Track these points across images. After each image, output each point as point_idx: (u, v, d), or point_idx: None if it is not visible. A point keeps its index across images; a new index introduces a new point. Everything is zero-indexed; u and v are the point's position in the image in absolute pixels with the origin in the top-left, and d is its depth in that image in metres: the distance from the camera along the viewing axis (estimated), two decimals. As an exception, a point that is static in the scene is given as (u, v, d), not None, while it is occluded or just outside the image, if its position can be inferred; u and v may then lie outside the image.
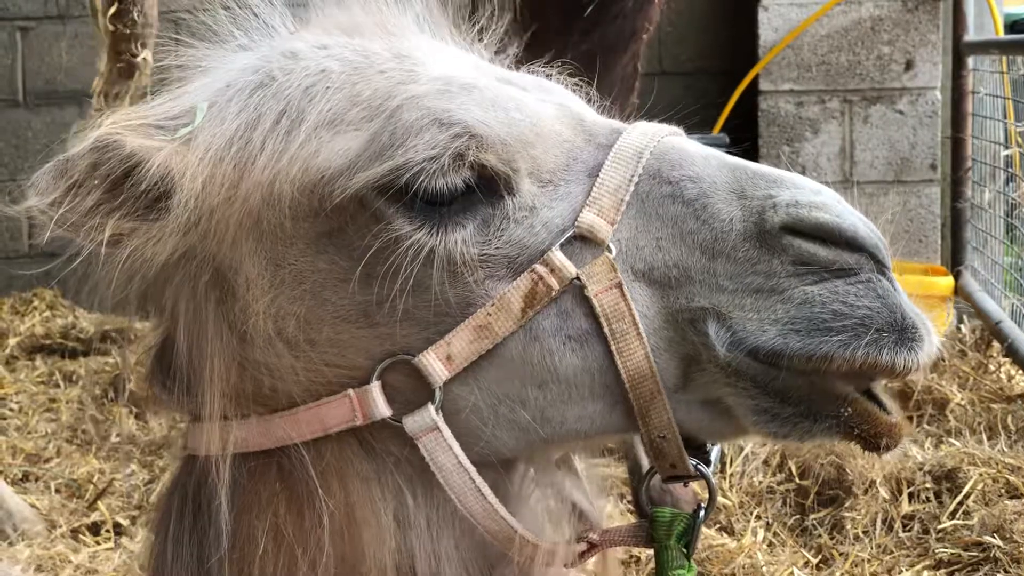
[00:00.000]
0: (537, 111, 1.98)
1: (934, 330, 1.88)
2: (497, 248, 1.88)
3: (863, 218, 1.90)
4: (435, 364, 1.87)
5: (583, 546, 2.06)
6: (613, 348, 1.86)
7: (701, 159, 1.94)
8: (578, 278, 1.86)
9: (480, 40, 2.20)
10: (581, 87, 2.18)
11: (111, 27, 5.65)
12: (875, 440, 1.88)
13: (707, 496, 2.03)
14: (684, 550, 2.01)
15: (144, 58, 5.70)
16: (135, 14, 5.61)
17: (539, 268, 1.87)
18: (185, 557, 1.99)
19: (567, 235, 1.88)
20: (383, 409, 1.90)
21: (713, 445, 2.01)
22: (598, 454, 2.21)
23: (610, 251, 1.87)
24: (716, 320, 1.85)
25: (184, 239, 1.91)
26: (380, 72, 1.96)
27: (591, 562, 2.21)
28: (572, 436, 1.97)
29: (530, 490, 2.07)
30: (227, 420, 1.94)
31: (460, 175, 1.86)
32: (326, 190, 1.88)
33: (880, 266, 1.87)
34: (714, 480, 1.98)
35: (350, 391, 1.91)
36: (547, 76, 2.16)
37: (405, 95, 1.91)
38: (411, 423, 1.90)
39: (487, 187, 1.89)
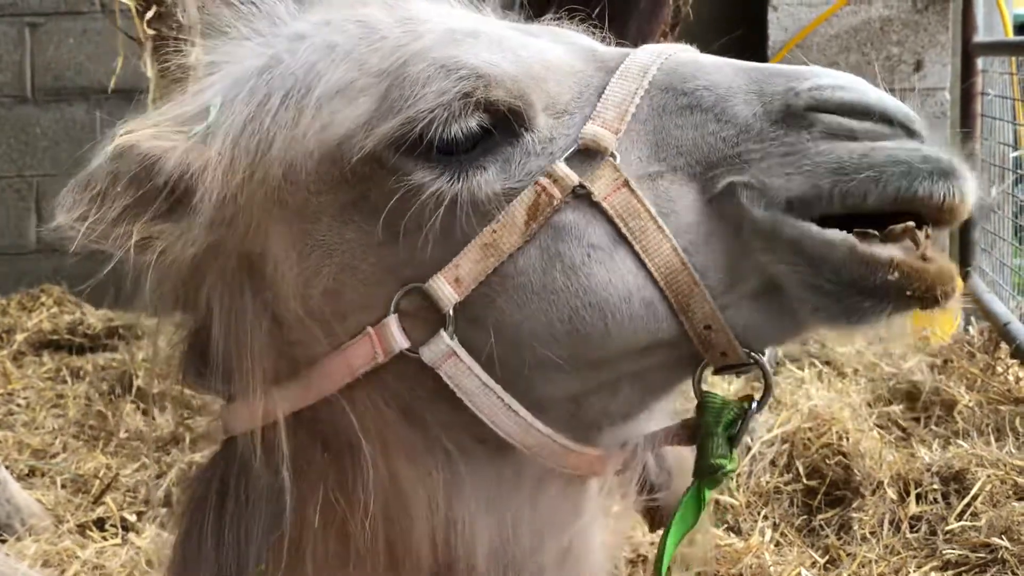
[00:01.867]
0: (545, 48, 1.99)
1: (973, 177, 1.84)
2: (519, 180, 1.88)
3: (892, 97, 1.89)
4: (444, 288, 1.87)
5: (627, 452, 2.05)
6: (636, 248, 1.84)
7: (715, 67, 1.94)
8: (581, 185, 1.85)
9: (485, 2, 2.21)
10: (595, 31, 2.18)
11: (151, 31, 5.53)
12: (931, 293, 1.84)
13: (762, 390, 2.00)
14: (729, 442, 1.98)
15: (195, 60, 5.58)
16: (179, 15, 5.49)
17: (542, 179, 1.86)
18: (226, 542, 2.00)
19: (571, 150, 1.88)
20: (400, 340, 1.90)
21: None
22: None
23: (614, 157, 1.86)
24: (746, 188, 1.83)
25: (211, 232, 1.93)
26: (384, 38, 1.97)
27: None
28: (621, 368, 1.94)
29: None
30: (270, 395, 1.95)
31: (473, 118, 1.87)
32: (344, 155, 1.89)
33: (914, 135, 1.85)
34: (770, 368, 1.94)
35: (369, 328, 1.91)
36: (558, 24, 2.17)
37: (411, 51, 1.91)
38: (428, 353, 1.90)
39: (504, 126, 1.89)
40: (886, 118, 1.84)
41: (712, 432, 1.98)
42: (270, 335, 1.95)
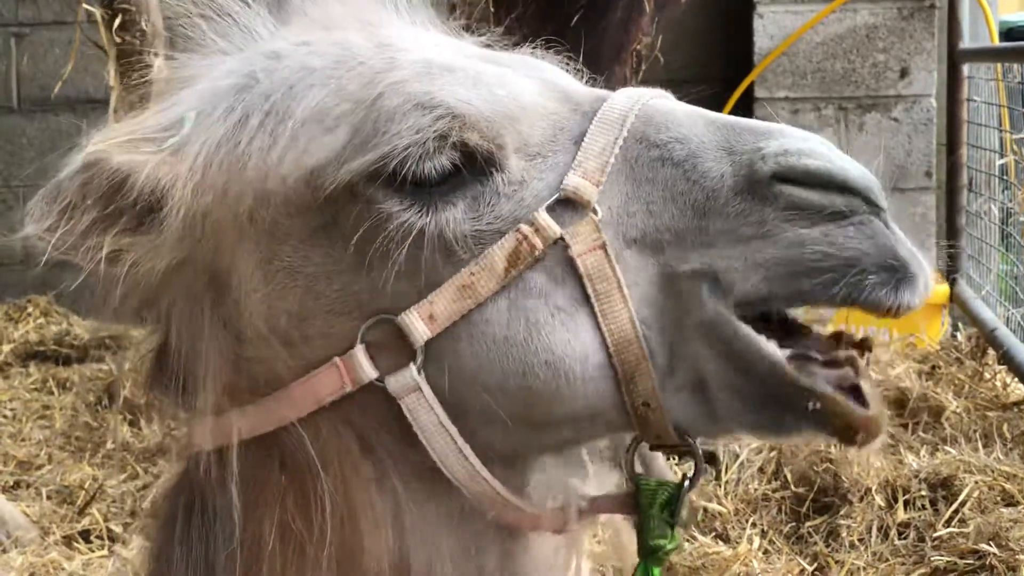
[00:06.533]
0: (520, 86, 1.98)
1: (928, 268, 1.86)
2: (489, 224, 1.87)
3: (854, 162, 1.90)
4: (417, 323, 1.86)
5: (571, 512, 2.04)
6: (597, 310, 1.84)
7: (687, 119, 1.94)
8: (562, 238, 1.85)
9: (464, 27, 2.20)
10: (569, 63, 2.18)
11: (118, 40, 5.54)
12: (849, 434, 1.84)
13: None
14: (668, 520, 1.99)
15: (158, 68, 5.60)
16: (143, 23, 5.50)
17: (524, 228, 1.86)
18: (193, 558, 1.98)
19: (553, 199, 1.87)
20: (369, 371, 1.89)
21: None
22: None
23: (595, 212, 1.86)
24: (707, 279, 1.84)
25: (180, 247, 1.91)
26: (361, 63, 1.96)
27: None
28: (560, 433, 1.96)
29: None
30: (227, 413, 1.94)
31: (446, 156, 1.86)
32: (317, 184, 1.88)
33: (874, 207, 1.86)
34: (699, 450, 1.94)
35: (336, 359, 1.90)
36: (532, 54, 2.15)
37: (386, 82, 1.90)
38: (393, 383, 1.89)
39: (474, 165, 1.88)
40: (848, 189, 1.85)
41: (648, 514, 2.00)
42: (229, 351, 1.93)
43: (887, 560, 4.97)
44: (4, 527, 5.38)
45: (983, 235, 8.08)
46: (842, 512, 5.28)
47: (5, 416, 7.06)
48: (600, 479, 2.11)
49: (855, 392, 1.85)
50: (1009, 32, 10.49)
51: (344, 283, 1.90)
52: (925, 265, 1.86)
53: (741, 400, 1.85)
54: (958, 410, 6.35)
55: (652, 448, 1.98)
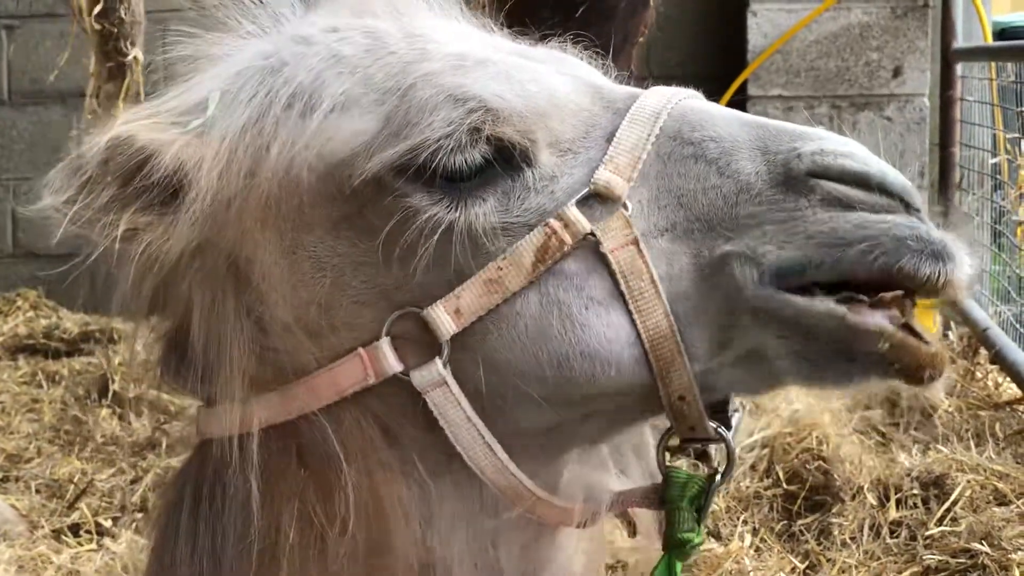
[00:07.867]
0: (553, 82, 1.96)
1: (968, 256, 1.83)
2: (517, 216, 1.86)
3: (893, 168, 1.87)
4: (443, 317, 1.85)
5: (598, 507, 2.04)
6: (631, 307, 1.82)
7: (722, 119, 1.93)
8: (592, 234, 1.83)
9: (489, 18, 2.19)
10: (596, 58, 2.17)
11: (97, 26, 5.60)
12: (918, 372, 1.83)
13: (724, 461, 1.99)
14: (696, 514, 1.98)
15: (135, 56, 5.65)
16: (122, 11, 5.55)
17: (553, 222, 1.84)
18: (199, 550, 1.96)
19: (583, 193, 1.86)
20: (394, 363, 1.88)
21: (735, 411, 1.98)
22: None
23: (626, 208, 1.85)
24: (739, 260, 1.82)
25: (200, 231, 1.90)
26: (392, 53, 1.94)
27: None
28: (595, 406, 1.93)
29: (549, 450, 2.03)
30: (247, 401, 1.92)
31: (478, 150, 1.84)
32: (344, 174, 1.86)
33: (912, 210, 1.84)
34: (734, 444, 1.94)
35: (360, 349, 1.89)
36: (561, 49, 2.14)
37: (418, 73, 1.89)
38: (419, 377, 1.88)
39: (506, 160, 1.87)
40: (885, 190, 1.83)
41: (678, 507, 1.98)
42: (253, 340, 1.92)
43: (879, 559, 4.96)
44: (-8, 520, 5.37)
45: (975, 234, 8.07)
46: (834, 510, 5.27)
47: (-6, 409, 7.03)
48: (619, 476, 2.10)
49: (910, 330, 1.83)
50: (1002, 33, 10.50)
51: (370, 274, 1.89)
52: (962, 252, 1.82)
53: (806, 361, 1.84)
54: (950, 409, 6.36)
55: (683, 442, 1.96)
